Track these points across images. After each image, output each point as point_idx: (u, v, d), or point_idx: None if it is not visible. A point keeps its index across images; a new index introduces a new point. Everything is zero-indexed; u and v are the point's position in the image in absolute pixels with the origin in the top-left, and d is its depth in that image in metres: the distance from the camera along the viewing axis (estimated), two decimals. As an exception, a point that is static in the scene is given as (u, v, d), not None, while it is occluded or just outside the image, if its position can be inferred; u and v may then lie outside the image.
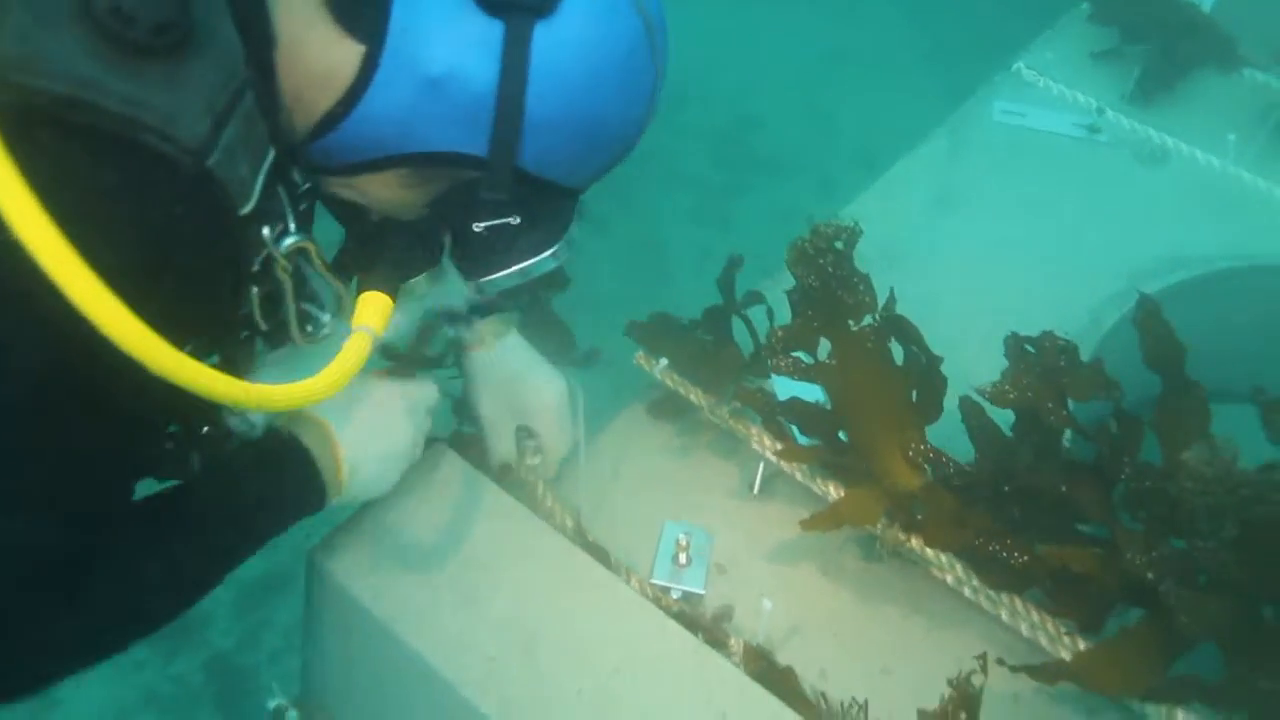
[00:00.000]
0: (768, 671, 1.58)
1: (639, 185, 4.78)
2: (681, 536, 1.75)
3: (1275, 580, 1.51)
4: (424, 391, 1.63)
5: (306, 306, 1.44)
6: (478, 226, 1.36)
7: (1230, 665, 1.58)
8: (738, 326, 1.92)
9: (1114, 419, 1.68)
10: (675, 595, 1.69)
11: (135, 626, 1.31)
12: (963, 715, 1.45)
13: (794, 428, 1.89)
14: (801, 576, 1.76)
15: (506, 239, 1.38)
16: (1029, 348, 1.65)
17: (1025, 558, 1.68)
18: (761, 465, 1.88)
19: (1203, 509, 1.54)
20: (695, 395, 1.91)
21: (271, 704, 1.72)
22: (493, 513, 1.67)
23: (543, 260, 1.43)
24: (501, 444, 1.78)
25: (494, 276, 1.42)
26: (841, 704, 1.52)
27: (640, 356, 1.95)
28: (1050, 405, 1.65)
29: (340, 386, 1.32)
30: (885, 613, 1.73)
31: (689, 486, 1.88)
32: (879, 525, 1.75)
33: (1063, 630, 1.67)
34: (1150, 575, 1.62)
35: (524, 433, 1.78)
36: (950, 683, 1.44)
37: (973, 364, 1.62)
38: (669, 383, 1.93)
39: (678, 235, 4.91)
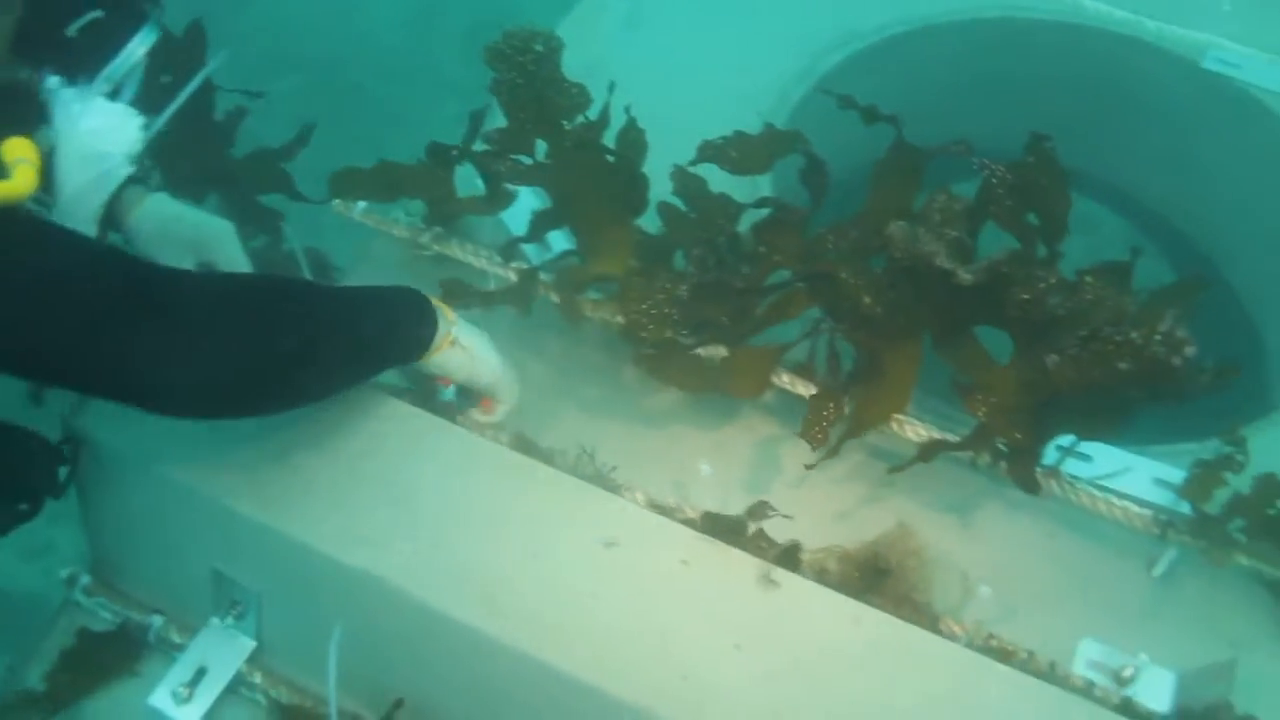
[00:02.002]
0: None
1: (408, 102, 4.80)
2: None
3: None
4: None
5: None
6: (71, 31, 1.48)
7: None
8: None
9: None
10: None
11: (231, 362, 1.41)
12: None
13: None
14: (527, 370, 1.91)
15: (101, 33, 1.50)
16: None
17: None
18: (492, 282, 2.02)
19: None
20: (398, 230, 2.01)
21: (64, 573, 1.81)
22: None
23: (143, 36, 1.55)
24: None
25: (109, 69, 1.53)
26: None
27: (338, 205, 2.03)
28: (721, 222, 1.83)
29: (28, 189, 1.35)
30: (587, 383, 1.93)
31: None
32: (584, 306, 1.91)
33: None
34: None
35: (205, 267, 1.83)
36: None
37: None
38: (370, 224, 2.03)
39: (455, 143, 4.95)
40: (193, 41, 1.96)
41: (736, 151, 1.80)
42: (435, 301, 1.68)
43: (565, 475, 1.63)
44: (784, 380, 1.85)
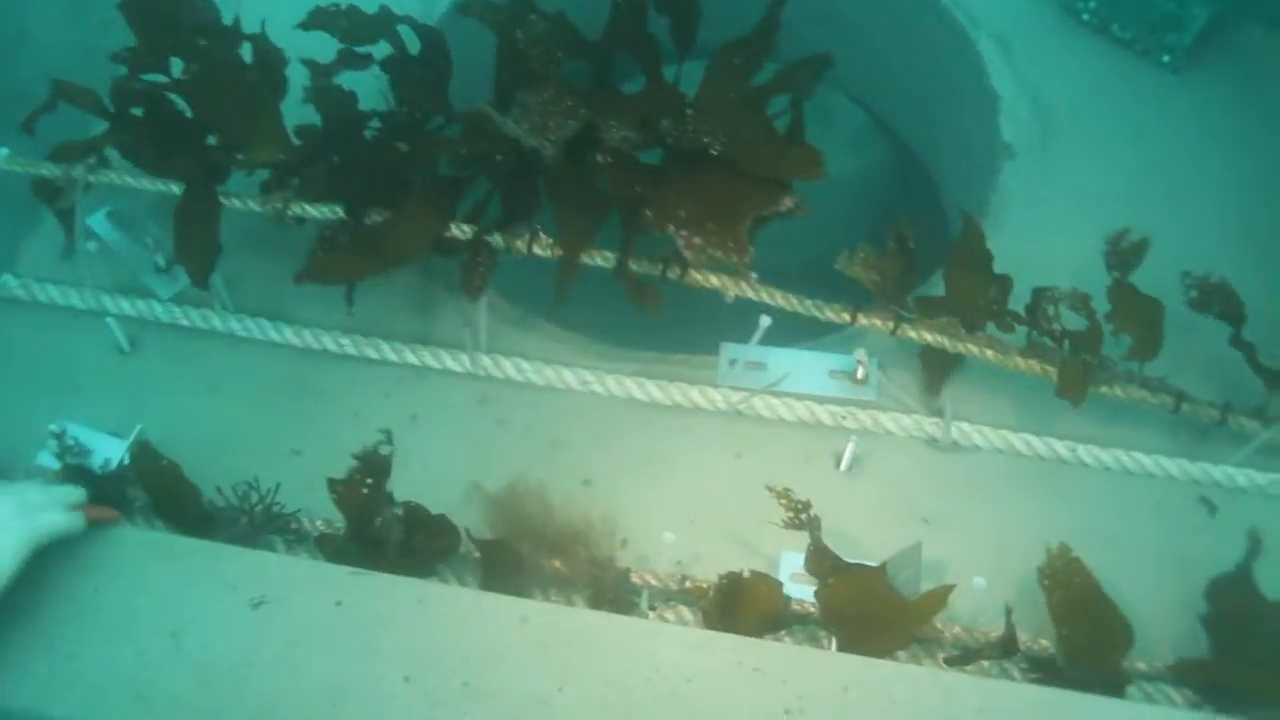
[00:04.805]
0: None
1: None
2: (58, 436, 1.74)
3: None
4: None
5: None
6: None
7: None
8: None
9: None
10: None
11: None
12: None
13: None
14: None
15: None
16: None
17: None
18: (115, 328, 1.90)
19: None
20: (46, 169, 1.95)
21: None
22: None
23: None
24: None
25: None
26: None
27: None
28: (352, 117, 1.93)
29: None
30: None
31: (58, 376, 1.89)
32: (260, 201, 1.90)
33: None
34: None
35: None
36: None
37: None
38: (17, 169, 1.97)
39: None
40: None
41: (348, 21, 1.91)
42: None
43: (201, 542, 1.52)
44: (458, 232, 1.86)
